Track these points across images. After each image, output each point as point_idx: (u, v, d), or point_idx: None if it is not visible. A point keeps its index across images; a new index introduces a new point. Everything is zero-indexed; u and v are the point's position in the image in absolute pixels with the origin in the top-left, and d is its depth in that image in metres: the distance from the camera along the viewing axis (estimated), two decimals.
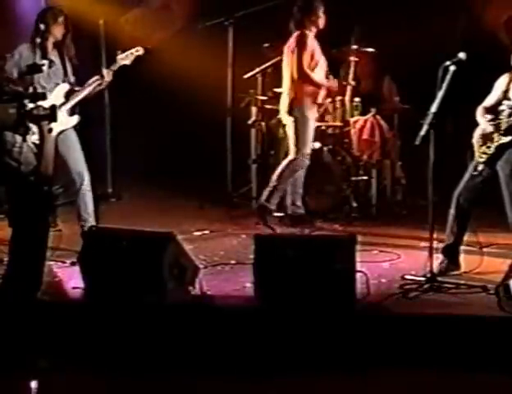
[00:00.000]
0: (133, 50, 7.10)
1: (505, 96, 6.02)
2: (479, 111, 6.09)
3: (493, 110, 6.03)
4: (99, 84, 6.95)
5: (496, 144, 5.94)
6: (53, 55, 6.90)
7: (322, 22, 7.61)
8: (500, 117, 5.96)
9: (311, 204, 8.03)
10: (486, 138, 5.99)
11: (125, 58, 7.06)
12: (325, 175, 8.09)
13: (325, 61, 7.70)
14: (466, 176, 6.07)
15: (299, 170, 7.71)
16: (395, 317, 5.24)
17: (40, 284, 5.48)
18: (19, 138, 5.63)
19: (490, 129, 5.97)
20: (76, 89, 6.90)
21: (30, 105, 5.70)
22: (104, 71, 6.94)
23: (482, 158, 5.99)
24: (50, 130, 6.46)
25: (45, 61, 6.59)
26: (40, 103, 5.99)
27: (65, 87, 6.88)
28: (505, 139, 5.91)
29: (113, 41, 8.33)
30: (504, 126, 5.93)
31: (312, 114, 7.68)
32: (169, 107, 9.76)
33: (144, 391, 4.80)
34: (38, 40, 6.75)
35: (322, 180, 8.02)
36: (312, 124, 7.68)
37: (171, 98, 9.55)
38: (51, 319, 5.31)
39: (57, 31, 6.88)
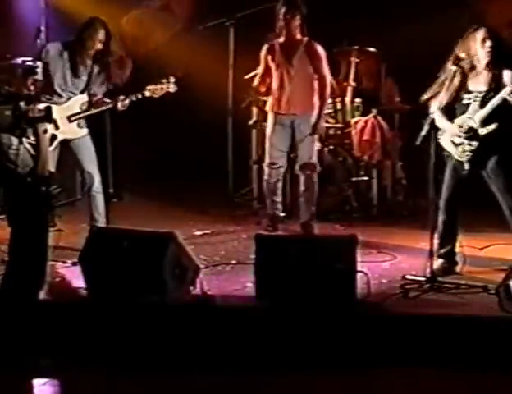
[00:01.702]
0: (164, 85, 6.93)
1: (465, 91, 5.91)
2: (440, 115, 5.91)
3: (451, 107, 5.95)
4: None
5: (480, 137, 5.82)
6: (82, 65, 6.88)
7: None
8: (470, 112, 5.84)
9: None
10: (459, 137, 5.91)
11: (153, 91, 6.91)
12: (326, 175, 8.09)
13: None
14: (446, 182, 6.01)
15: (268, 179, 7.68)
16: (396, 317, 5.25)
17: (43, 284, 5.48)
18: (15, 140, 5.63)
19: (457, 131, 5.88)
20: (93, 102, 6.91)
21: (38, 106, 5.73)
22: (125, 102, 6.90)
23: (465, 156, 5.89)
24: (45, 131, 6.46)
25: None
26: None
27: (83, 98, 6.90)
28: (486, 131, 5.79)
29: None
30: (478, 120, 5.81)
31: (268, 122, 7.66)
32: (170, 107, 9.75)
33: (145, 390, 4.80)
34: (67, 46, 6.79)
35: (324, 180, 8.02)
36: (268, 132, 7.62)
37: (172, 99, 9.54)
38: (52, 319, 5.32)
39: (91, 46, 6.84)
